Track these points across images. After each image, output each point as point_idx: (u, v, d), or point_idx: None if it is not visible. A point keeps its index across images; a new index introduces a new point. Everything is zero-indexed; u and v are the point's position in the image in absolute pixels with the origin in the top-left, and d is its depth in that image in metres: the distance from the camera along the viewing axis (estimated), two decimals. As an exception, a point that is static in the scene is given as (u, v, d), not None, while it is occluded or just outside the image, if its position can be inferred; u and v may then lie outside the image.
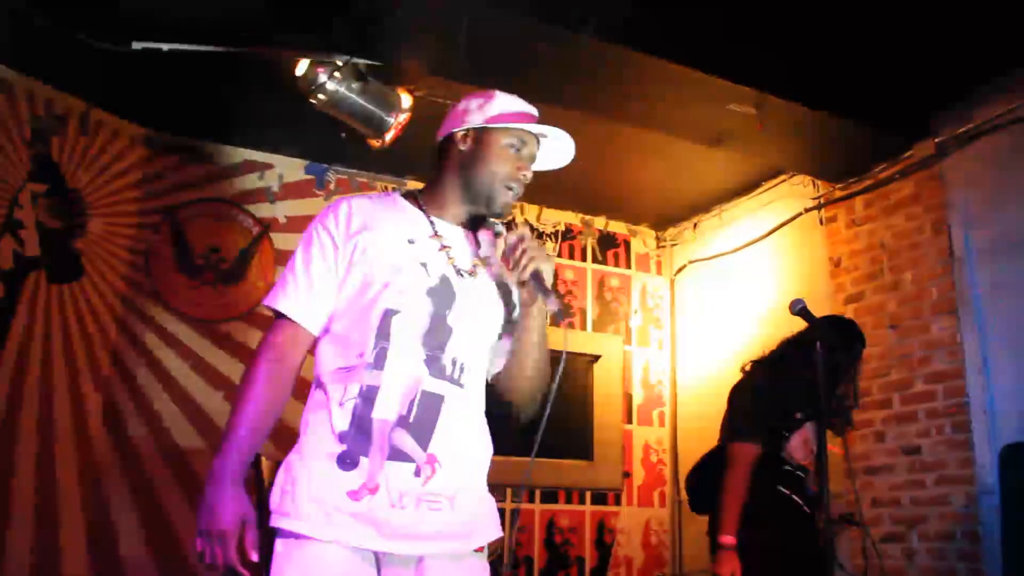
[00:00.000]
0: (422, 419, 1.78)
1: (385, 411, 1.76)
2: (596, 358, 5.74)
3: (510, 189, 1.97)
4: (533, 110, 2.05)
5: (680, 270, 5.95)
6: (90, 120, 4.44)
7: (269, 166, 5.00)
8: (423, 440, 1.77)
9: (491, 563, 1.93)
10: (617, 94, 4.08)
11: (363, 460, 1.74)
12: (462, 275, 1.91)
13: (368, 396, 1.77)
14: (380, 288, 1.83)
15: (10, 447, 3.97)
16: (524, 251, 1.84)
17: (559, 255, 5.78)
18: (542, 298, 1.85)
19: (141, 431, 4.39)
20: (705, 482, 3.50)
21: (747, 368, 3.57)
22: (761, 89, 3.88)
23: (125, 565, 4.20)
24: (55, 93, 4.29)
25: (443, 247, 1.93)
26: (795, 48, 3.79)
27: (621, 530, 5.47)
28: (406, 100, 4.04)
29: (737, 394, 3.46)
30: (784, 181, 5.06)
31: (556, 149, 2.10)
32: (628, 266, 6.01)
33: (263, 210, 4.94)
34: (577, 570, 5.30)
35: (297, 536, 1.71)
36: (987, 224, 3.94)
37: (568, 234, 5.87)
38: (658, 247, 6.12)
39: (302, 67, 3.78)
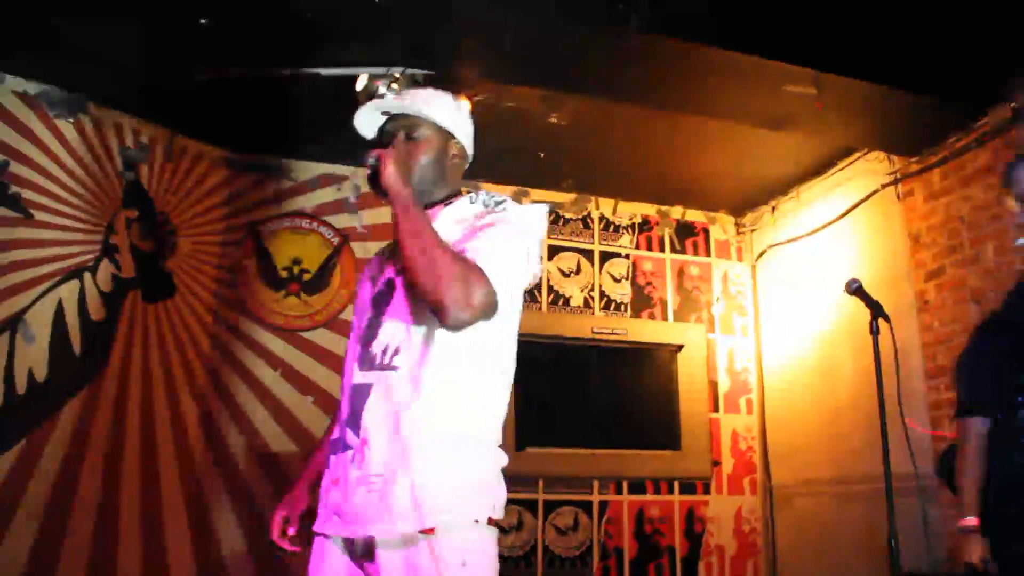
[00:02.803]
0: (353, 410, 1.87)
1: (341, 414, 1.94)
2: (679, 348, 5.73)
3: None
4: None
5: (761, 255, 5.87)
6: (174, 146, 4.72)
7: (345, 178, 5.18)
8: (356, 428, 1.85)
9: None
10: (673, 86, 4.10)
11: (332, 459, 1.92)
12: (400, 272, 1.94)
13: (339, 407, 1.99)
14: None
15: (117, 455, 4.25)
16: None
17: (636, 247, 5.79)
18: (375, 179, 1.89)
19: (236, 437, 4.63)
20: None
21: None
22: (818, 68, 3.82)
23: (226, 564, 4.44)
24: (141, 124, 4.57)
25: (387, 255, 2.08)
26: (851, 24, 3.71)
27: (711, 519, 5.45)
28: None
29: (957, 362, 2.98)
30: (859, 159, 4.95)
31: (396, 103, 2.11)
32: (708, 254, 5.98)
33: (342, 220, 5.13)
34: (668, 560, 5.30)
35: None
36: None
37: (645, 225, 5.87)
38: (738, 233, 6.06)
39: (361, 81, 3.92)
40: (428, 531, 1.74)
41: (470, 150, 2.15)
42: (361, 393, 1.87)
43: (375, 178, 1.88)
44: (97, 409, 4.22)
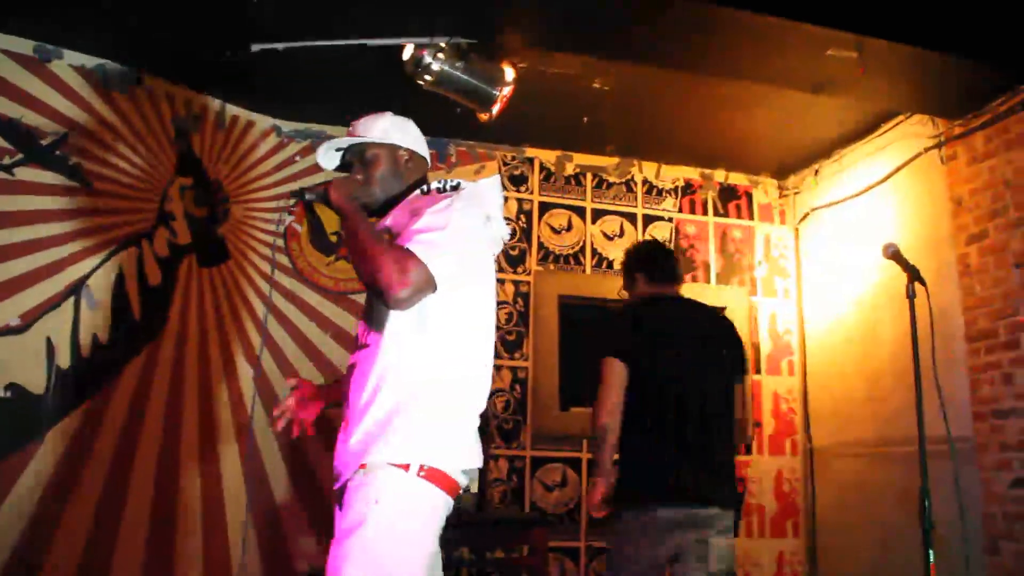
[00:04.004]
0: (346, 387, 2.22)
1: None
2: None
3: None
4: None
5: (804, 218, 5.88)
6: (225, 116, 4.85)
7: (391, 145, 5.26)
8: (347, 400, 2.18)
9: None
10: (716, 52, 4.12)
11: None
12: None
13: None
14: None
15: (175, 413, 4.46)
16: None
17: (679, 210, 5.84)
18: (326, 202, 2.24)
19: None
20: None
21: None
22: (860, 32, 3.82)
23: (278, 513, 4.67)
24: (192, 94, 4.71)
25: None
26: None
27: (752, 479, 5.53)
28: (509, 73, 4.18)
29: None
30: (902, 122, 4.92)
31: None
32: (751, 217, 6.00)
33: (389, 186, 5.21)
34: (708, 518, 5.40)
35: None
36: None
37: (688, 189, 5.90)
38: (780, 196, 6.06)
39: (408, 51, 3.99)
40: (362, 466, 2.02)
41: (421, 150, 2.45)
42: (350, 371, 2.21)
43: (327, 202, 2.23)
44: (156, 369, 4.41)
